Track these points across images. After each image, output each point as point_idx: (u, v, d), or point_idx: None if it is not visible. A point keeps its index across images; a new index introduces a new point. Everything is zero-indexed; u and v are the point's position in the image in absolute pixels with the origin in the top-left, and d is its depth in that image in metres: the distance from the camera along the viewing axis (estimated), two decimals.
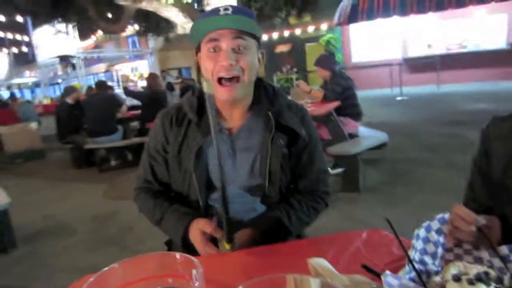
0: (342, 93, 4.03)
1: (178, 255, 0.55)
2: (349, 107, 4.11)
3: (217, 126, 1.12)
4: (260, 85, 1.21)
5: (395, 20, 11.38)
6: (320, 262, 0.72)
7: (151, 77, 6.36)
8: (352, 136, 4.13)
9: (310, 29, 13.47)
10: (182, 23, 6.90)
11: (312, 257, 0.73)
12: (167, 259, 0.55)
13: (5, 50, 22.06)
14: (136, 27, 11.02)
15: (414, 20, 11.29)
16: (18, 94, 15.84)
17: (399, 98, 9.88)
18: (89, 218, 3.80)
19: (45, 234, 3.52)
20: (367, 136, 4.21)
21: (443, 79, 11.07)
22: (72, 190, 5.00)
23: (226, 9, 1.06)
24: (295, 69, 14.78)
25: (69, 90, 6.81)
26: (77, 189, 5.01)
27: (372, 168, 4.27)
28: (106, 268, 0.53)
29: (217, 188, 1.16)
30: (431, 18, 11.00)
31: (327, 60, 4.27)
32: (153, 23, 10.15)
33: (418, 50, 11.97)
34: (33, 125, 7.80)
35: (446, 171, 3.91)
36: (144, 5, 6.71)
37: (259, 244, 1.09)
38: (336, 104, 4.00)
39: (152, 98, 5.89)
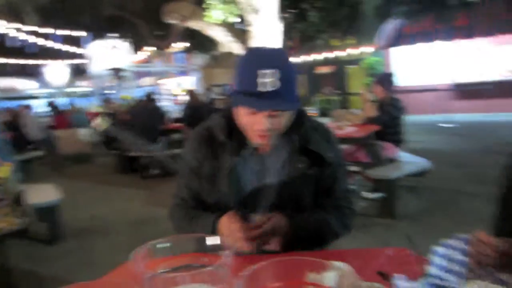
0: (389, 121, 3.95)
1: (210, 237, 0.68)
2: (392, 134, 4.02)
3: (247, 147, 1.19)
4: None
5: (443, 44, 11.15)
6: (340, 265, 0.78)
7: (190, 94, 6.64)
8: (392, 161, 4.07)
9: (352, 51, 13.46)
10: (226, 42, 7.18)
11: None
12: (204, 240, 0.68)
13: (65, 62, 23.77)
14: (184, 44, 11.50)
15: (465, 45, 10.98)
16: (73, 102, 16.82)
17: (445, 125, 9.56)
18: (129, 221, 4.01)
19: (89, 232, 3.75)
20: (408, 161, 4.10)
21: (495, 108, 10.58)
22: (115, 194, 5.28)
23: (271, 79, 1.01)
24: (336, 91, 14.72)
25: (107, 101, 7.28)
26: (120, 193, 5.28)
27: (412, 195, 4.16)
28: (153, 241, 0.66)
29: (251, 206, 1.20)
30: (483, 43, 10.65)
31: (389, 80, 4.13)
32: (199, 41, 10.58)
33: (468, 76, 11.53)
34: (84, 131, 8.30)
35: (493, 204, 3.73)
36: (190, 24, 7.06)
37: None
38: (375, 128, 3.97)
39: (191, 113, 6.13)
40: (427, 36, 10.83)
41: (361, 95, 4.19)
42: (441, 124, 9.63)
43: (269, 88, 1.02)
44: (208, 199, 1.25)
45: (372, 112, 4.04)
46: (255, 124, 1.09)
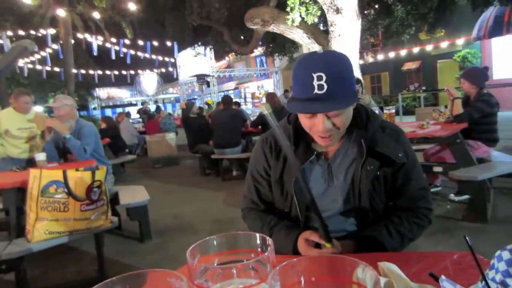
0: (480, 118, 3.62)
1: (258, 235, 0.70)
2: (484, 132, 3.70)
3: (313, 152, 1.22)
4: (353, 111, 1.22)
5: None
6: (389, 266, 0.75)
7: (268, 97, 6.75)
8: (482, 161, 3.73)
9: (443, 44, 12.50)
10: (307, 44, 7.17)
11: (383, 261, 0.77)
12: (252, 238, 0.70)
13: (155, 70, 25.95)
14: (264, 47, 11.73)
15: None
16: (162, 108, 18.22)
17: None
18: (209, 221, 4.21)
19: (173, 231, 4.01)
20: (501, 161, 3.72)
21: None
22: (197, 195, 5.58)
23: (320, 82, 1.01)
24: (423, 88, 13.83)
25: (189, 105, 7.69)
26: (201, 194, 5.58)
27: (506, 198, 3.79)
28: (207, 238, 0.70)
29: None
30: None
31: (479, 74, 3.78)
32: (279, 44, 10.70)
33: None
34: (171, 135, 8.93)
35: None
36: (271, 28, 7.18)
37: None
38: (463, 126, 3.67)
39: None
40: None
41: (446, 91, 3.90)
42: None
43: (320, 91, 1.02)
44: (276, 202, 1.29)
45: (459, 109, 3.74)
46: (315, 126, 1.11)
